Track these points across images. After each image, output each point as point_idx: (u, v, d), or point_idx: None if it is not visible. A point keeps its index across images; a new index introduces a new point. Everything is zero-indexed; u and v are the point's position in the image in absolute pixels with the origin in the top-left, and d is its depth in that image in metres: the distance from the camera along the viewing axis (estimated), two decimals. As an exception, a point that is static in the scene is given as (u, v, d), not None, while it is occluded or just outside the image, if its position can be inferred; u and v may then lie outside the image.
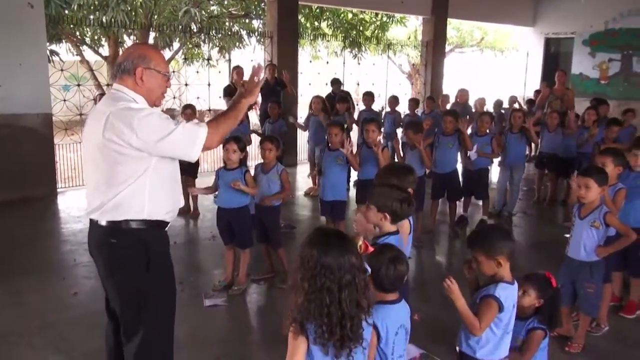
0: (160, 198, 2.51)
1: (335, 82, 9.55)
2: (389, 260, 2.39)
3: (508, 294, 2.55)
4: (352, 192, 7.75)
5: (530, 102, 10.85)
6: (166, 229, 2.63)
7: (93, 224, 2.53)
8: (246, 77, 2.87)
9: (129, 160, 2.38)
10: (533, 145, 9.22)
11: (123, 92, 2.49)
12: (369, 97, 8.76)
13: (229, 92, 8.45)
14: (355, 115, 8.70)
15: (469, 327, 2.54)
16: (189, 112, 6.53)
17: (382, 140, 5.70)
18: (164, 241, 2.63)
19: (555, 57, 14.57)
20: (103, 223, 2.47)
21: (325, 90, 9.48)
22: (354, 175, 8.23)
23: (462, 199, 6.61)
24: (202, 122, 2.52)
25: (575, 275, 3.61)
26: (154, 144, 2.37)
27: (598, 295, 3.63)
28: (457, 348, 2.70)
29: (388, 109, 9.10)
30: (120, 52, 2.57)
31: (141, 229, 2.47)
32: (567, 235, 3.80)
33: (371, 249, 2.36)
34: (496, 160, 7.15)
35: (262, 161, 4.74)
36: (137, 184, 2.42)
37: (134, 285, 2.51)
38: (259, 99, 8.75)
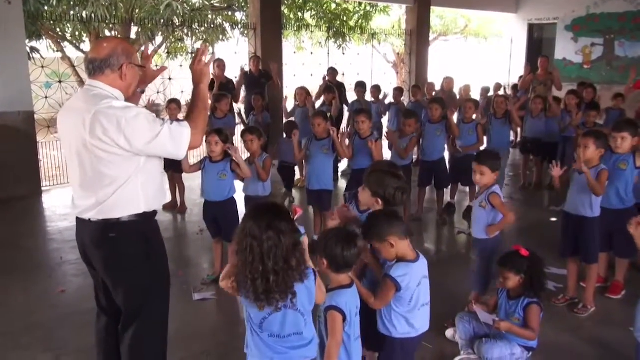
0: (153, 191, 2.56)
1: (331, 70, 9.37)
2: (343, 240, 2.39)
3: (408, 271, 2.61)
4: (340, 183, 7.79)
5: (515, 87, 10.90)
6: (155, 217, 2.67)
7: (85, 222, 2.50)
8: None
9: (119, 159, 2.38)
10: (518, 130, 9.27)
11: (101, 87, 2.46)
12: (361, 87, 8.73)
13: (211, 85, 8.38)
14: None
15: (366, 302, 2.62)
16: (173, 106, 6.46)
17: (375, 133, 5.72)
18: (157, 229, 2.69)
19: (538, 43, 14.61)
20: (98, 220, 2.46)
21: (309, 81, 9.42)
22: (342, 165, 8.27)
23: (450, 186, 6.64)
24: (183, 122, 2.52)
25: (475, 252, 3.77)
26: (142, 147, 2.37)
27: (479, 272, 3.70)
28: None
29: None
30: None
31: (137, 221, 2.50)
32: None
33: (299, 210, 2.42)
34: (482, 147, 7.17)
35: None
36: (130, 182, 2.43)
37: (138, 274, 2.55)
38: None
